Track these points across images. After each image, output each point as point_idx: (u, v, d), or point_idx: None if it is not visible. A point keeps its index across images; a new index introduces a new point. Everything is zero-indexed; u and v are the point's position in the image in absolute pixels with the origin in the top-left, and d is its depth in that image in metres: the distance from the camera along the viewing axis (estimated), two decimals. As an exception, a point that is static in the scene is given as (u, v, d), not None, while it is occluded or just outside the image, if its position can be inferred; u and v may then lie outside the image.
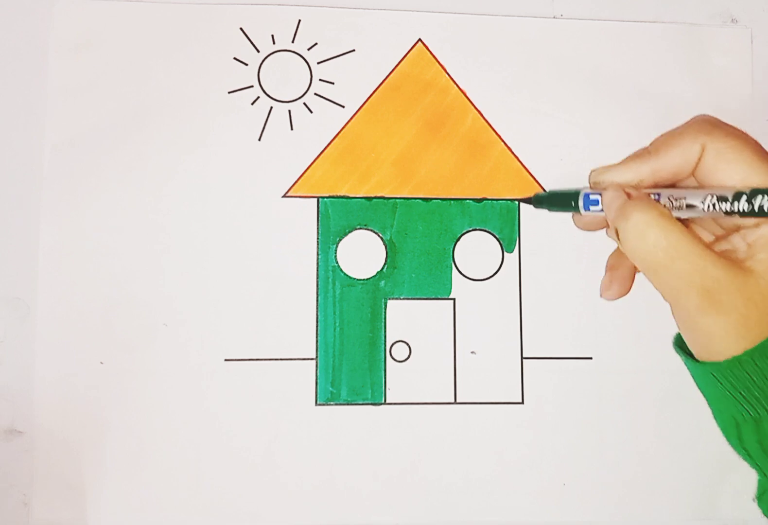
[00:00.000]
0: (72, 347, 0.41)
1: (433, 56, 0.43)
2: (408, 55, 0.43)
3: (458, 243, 0.43)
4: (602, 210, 0.33)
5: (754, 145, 0.31)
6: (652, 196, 0.32)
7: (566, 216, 0.43)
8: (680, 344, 0.32)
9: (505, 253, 0.43)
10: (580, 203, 0.34)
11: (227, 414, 0.41)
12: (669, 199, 0.32)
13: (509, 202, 0.43)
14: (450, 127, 0.43)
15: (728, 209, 0.30)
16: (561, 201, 0.36)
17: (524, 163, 0.43)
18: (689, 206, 0.31)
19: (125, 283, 0.41)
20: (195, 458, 0.41)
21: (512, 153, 0.43)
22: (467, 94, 0.43)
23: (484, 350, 0.43)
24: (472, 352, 0.43)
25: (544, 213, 0.43)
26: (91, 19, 0.42)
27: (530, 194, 0.38)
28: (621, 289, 0.34)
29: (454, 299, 0.43)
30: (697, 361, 0.31)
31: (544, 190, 0.43)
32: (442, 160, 0.43)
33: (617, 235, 0.31)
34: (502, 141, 0.43)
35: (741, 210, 0.29)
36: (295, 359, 0.42)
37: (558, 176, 0.44)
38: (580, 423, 0.43)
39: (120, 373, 0.41)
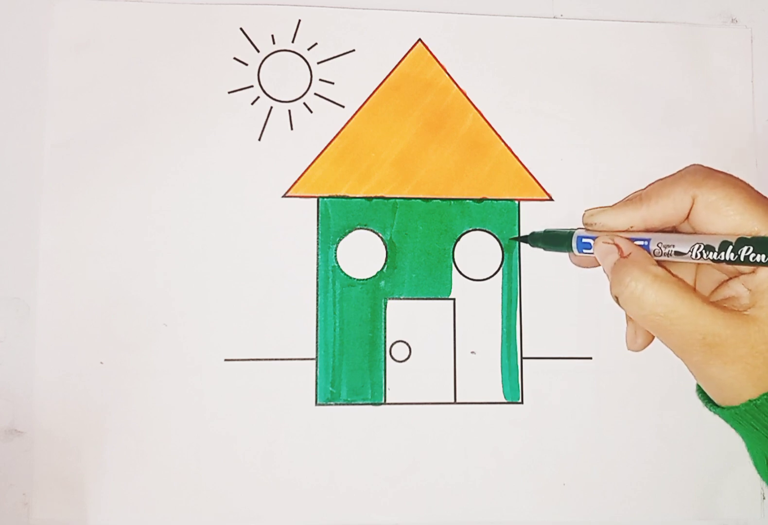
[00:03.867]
0: (72, 347, 0.41)
1: (433, 56, 0.43)
2: (408, 55, 0.43)
3: (458, 243, 0.43)
4: (594, 253, 0.34)
5: (746, 191, 0.31)
6: (642, 242, 0.33)
7: (566, 215, 0.43)
8: (702, 390, 0.33)
9: (505, 253, 0.43)
10: (574, 245, 0.36)
11: (227, 414, 0.41)
12: (658, 245, 0.32)
13: (509, 202, 0.43)
14: (450, 127, 0.43)
15: (715, 258, 0.30)
16: (556, 241, 0.38)
17: (524, 163, 0.43)
18: (678, 253, 0.32)
19: (125, 283, 0.41)
20: (195, 458, 0.41)
21: (512, 153, 0.43)
22: (467, 94, 0.43)
23: (484, 350, 0.43)
24: (472, 352, 0.43)
25: (544, 213, 0.44)
26: (91, 19, 0.42)
27: (524, 234, 0.41)
28: (646, 340, 0.35)
29: (454, 299, 0.43)
30: (717, 405, 0.32)
31: (545, 190, 0.43)
32: (442, 160, 0.43)
33: (617, 301, 0.32)
34: (502, 141, 0.43)
35: (727, 259, 0.30)
36: (295, 359, 0.42)
37: (558, 176, 0.44)
38: (580, 423, 0.43)
39: (120, 373, 0.41)
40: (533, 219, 0.43)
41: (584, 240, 0.35)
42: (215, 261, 0.42)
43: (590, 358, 0.43)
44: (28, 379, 0.41)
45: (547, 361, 0.43)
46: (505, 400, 0.42)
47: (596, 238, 0.34)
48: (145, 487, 0.41)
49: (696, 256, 0.31)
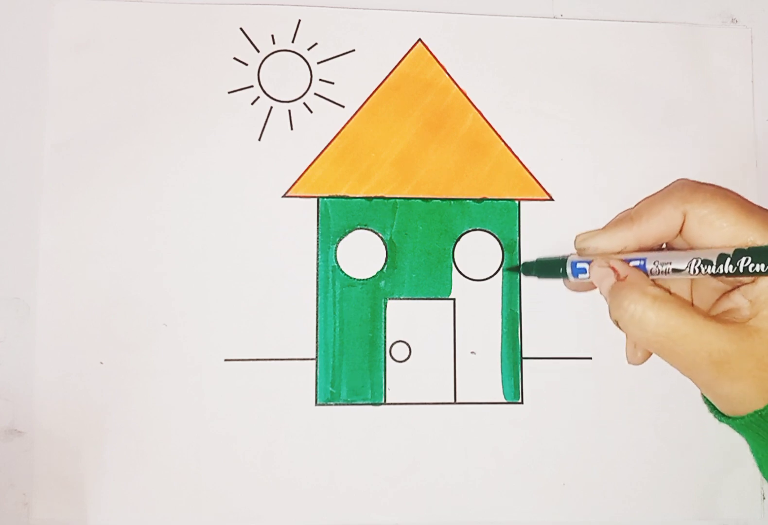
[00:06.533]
0: (72, 347, 0.41)
1: (433, 56, 0.43)
2: (408, 55, 0.43)
3: (458, 243, 0.43)
4: (590, 278, 0.34)
5: (737, 203, 0.30)
6: (638, 261, 0.33)
7: (566, 215, 0.43)
8: (707, 399, 0.32)
9: (505, 253, 0.43)
10: (569, 271, 0.35)
11: (227, 414, 0.41)
12: (655, 264, 0.32)
13: (509, 202, 0.43)
14: (450, 127, 0.43)
15: (713, 271, 0.30)
16: (549, 269, 0.37)
17: (524, 163, 0.43)
18: (675, 270, 0.31)
19: (125, 283, 0.41)
20: (195, 458, 0.41)
21: (512, 153, 0.43)
22: (467, 94, 0.43)
23: (484, 350, 0.43)
24: (472, 352, 0.43)
25: (544, 213, 0.44)
26: (91, 19, 0.42)
27: (517, 264, 0.41)
28: (646, 354, 0.34)
29: (454, 299, 0.43)
30: (723, 414, 0.32)
31: (545, 190, 0.43)
32: (442, 160, 0.43)
33: (618, 325, 0.32)
34: (502, 141, 0.43)
35: (726, 272, 0.29)
36: (295, 359, 0.42)
37: (558, 176, 0.44)
38: (580, 423, 0.43)
39: (120, 373, 0.41)
40: (533, 219, 0.43)
41: (579, 265, 0.34)
42: (215, 261, 0.42)
43: (590, 358, 0.43)
44: (28, 379, 0.41)
45: (547, 361, 0.43)
46: (505, 400, 0.42)
47: (591, 262, 0.33)
48: (145, 487, 0.41)
49: (694, 271, 0.30)
